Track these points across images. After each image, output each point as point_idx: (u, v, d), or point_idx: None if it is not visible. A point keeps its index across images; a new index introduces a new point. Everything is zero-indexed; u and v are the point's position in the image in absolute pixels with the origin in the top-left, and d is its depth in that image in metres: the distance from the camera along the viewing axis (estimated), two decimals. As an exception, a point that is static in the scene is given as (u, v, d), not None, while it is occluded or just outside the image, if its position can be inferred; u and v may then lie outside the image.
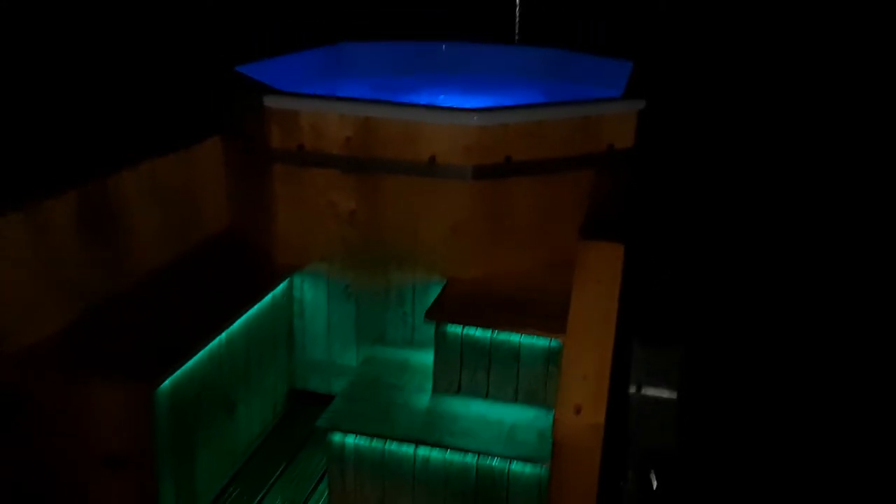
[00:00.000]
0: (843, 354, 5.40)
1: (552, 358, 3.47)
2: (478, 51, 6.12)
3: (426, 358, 3.79)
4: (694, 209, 5.48)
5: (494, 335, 3.57)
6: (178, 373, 3.19)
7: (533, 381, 3.55)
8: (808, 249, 5.80)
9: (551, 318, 3.44)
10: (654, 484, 4.07)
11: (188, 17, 5.09)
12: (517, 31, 7.21)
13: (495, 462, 3.29)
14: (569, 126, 3.97)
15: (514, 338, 3.55)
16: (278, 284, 3.99)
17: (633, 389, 4.09)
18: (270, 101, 3.93)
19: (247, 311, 3.70)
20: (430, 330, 3.69)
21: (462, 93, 5.48)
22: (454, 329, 3.60)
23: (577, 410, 2.71)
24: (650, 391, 4.26)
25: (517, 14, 7.27)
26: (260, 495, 3.58)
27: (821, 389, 5.18)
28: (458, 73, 5.99)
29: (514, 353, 3.57)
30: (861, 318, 5.56)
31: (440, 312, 3.64)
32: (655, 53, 5.65)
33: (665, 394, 4.27)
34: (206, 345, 3.37)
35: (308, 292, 4.14)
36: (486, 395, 3.63)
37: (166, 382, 3.13)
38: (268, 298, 3.91)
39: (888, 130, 6.05)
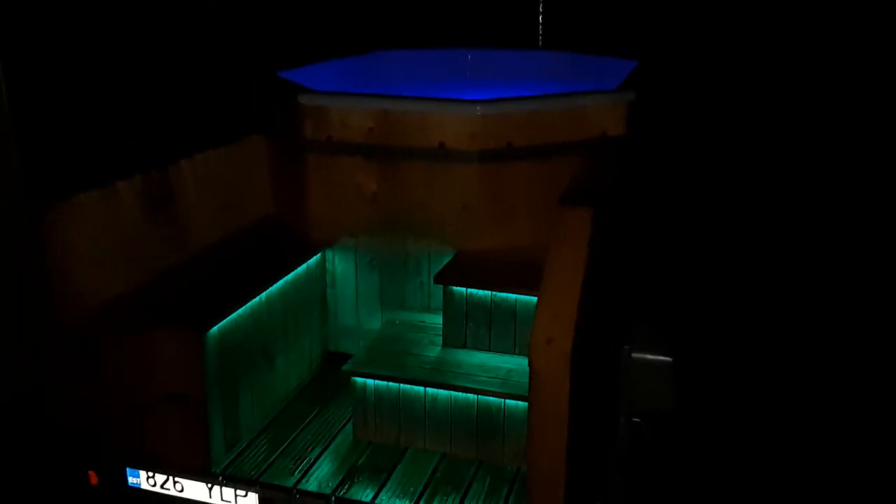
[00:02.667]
0: (827, 325, 5.75)
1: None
2: (500, 56, 6.67)
3: (440, 319, 4.35)
4: (680, 189, 5.92)
5: (494, 295, 4.11)
6: (223, 322, 3.82)
7: (528, 335, 4.06)
8: (791, 227, 6.18)
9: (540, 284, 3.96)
10: (645, 435, 4.53)
11: (236, 32, 5.79)
12: (541, 37, 7.77)
13: (493, 400, 3.83)
14: (564, 115, 4.50)
15: (512, 297, 4.09)
16: (312, 258, 4.60)
17: (626, 351, 4.56)
18: (304, 99, 4.56)
19: (283, 277, 4.32)
20: (442, 295, 4.25)
21: (481, 92, 6.03)
22: (460, 290, 4.15)
23: (549, 341, 3.22)
24: (645, 355, 4.71)
25: (540, 21, 7.83)
26: (294, 434, 4.16)
27: (806, 362, 5.55)
28: (483, 77, 6.55)
29: (512, 311, 4.11)
30: (840, 293, 5.90)
31: (448, 276, 4.20)
32: (657, 53, 6.12)
33: (661, 357, 4.72)
34: (247, 301, 4.00)
35: (338, 265, 4.74)
36: (489, 348, 4.16)
37: (214, 329, 3.75)
38: (302, 269, 4.52)
39: (878, 123, 6.38)
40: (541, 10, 7.85)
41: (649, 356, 4.57)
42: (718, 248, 6.04)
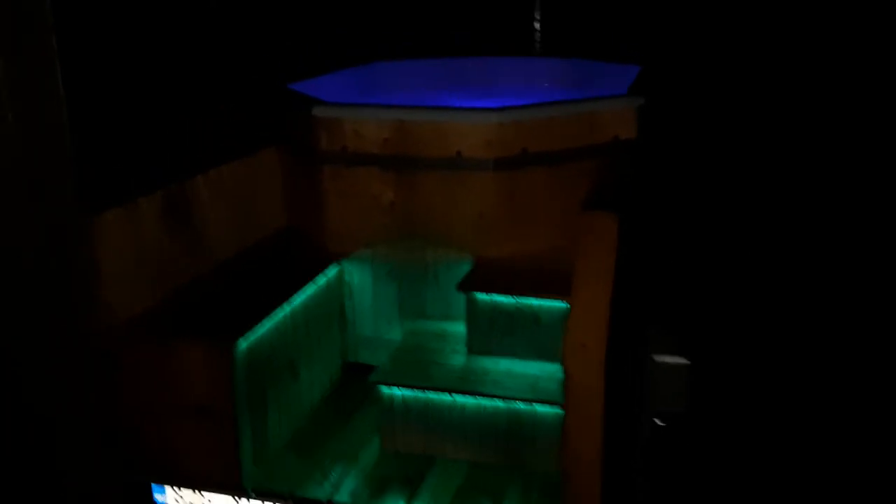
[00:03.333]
0: (837, 326, 5.83)
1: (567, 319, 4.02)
2: (500, 64, 6.72)
3: (461, 328, 4.37)
4: (692, 190, 5.99)
5: (517, 301, 4.13)
6: (251, 336, 3.82)
7: (552, 341, 4.10)
8: (802, 226, 6.26)
9: (565, 285, 3.99)
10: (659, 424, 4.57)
11: (244, 44, 5.80)
12: (538, 44, 7.83)
13: (521, 406, 3.86)
14: (577, 120, 4.54)
15: (534, 303, 4.11)
16: (330, 269, 4.61)
17: (647, 354, 4.61)
18: (318, 111, 4.57)
19: (305, 288, 4.32)
20: (463, 303, 4.27)
21: (487, 100, 6.07)
22: (483, 297, 4.17)
23: (583, 347, 3.25)
24: (664, 358, 4.76)
25: (538, 28, 7.90)
26: (322, 445, 4.16)
27: (815, 362, 5.62)
28: (484, 85, 6.59)
29: (535, 316, 4.14)
30: (854, 295, 5.99)
31: (471, 284, 4.22)
32: (660, 57, 6.19)
33: (678, 360, 4.77)
34: (273, 314, 4.00)
35: (356, 276, 4.75)
36: (514, 354, 4.19)
37: (243, 344, 3.75)
38: (322, 281, 4.53)
39: (882, 126, 6.49)
40: (537, 16, 7.93)
41: (668, 359, 4.62)
42: (728, 248, 6.12)
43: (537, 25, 7.82)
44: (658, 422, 4.54)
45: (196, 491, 3.85)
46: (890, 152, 6.41)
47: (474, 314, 4.20)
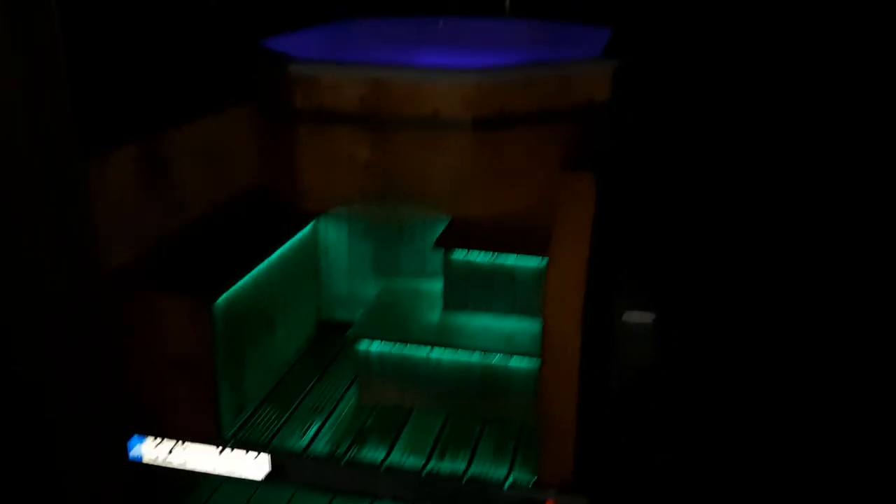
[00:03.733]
0: (803, 291, 6.05)
1: (543, 276, 4.11)
2: (472, 25, 6.71)
3: (436, 285, 4.43)
4: (664, 151, 6.12)
5: (493, 258, 4.21)
6: (229, 292, 3.84)
7: (528, 296, 4.20)
8: (770, 188, 6.45)
9: (541, 242, 4.07)
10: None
11: (214, 4, 5.71)
12: (508, 4, 7.82)
13: (496, 359, 3.96)
14: (553, 82, 4.59)
15: (510, 259, 4.20)
16: (305, 226, 4.62)
17: (617, 310, 4.75)
18: (294, 68, 4.55)
19: (281, 246, 4.34)
20: (438, 261, 4.33)
21: (461, 59, 6.08)
22: (459, 254, 4.24)
23: (561, 300, 3.34)
24: (632, 316, 4.91)
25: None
26: (298, 400, 4.22)
27: (789, 336, 5.83)
28: (456, 44, 6.58)
29: (510, 273, 4.22)
30: (825, 266, 6.20)
31: (447, 241, 4.28)
32: (630, 21, 6.25)
33: (645, 318, 4.93)
34: (249, 271, 4.02)
35: (331, 234, 4.77)
36: (489, 310, 4.28)
37: (221, 298, 3.77)
38: (297, 238, 4.54)
39: (869, 94, 6.66)
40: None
41: (636, 317, 4.78)
42: (699, 207, 6.26)
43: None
44: (626, 374, 4.71)
45: (178, 441, 3.88)
46: (860, 116, 6.60)
47: (450, 271, 4.27)
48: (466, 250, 4.21)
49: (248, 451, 3.82)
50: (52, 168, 2.24)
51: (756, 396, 5.42)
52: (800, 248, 6.14)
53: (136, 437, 3.91)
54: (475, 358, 3.98)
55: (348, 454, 3.79)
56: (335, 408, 4.15)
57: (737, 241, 6.06)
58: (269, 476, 3.82)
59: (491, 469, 3.70)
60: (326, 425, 4.01)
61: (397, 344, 4.03)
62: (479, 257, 4.22)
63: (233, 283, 3.87)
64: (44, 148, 2.28)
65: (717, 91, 6.77)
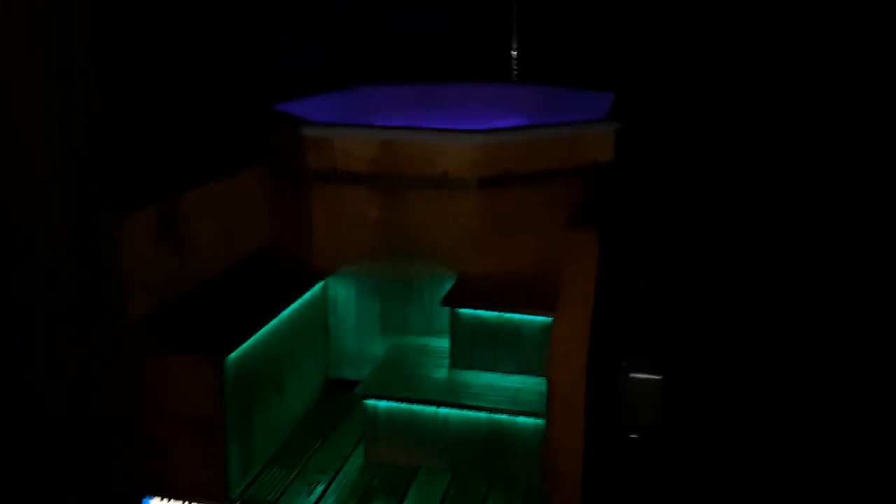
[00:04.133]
0: (819, 338, 6.04)
1: (549, 333, 4.15)
2: (481, 90, 6.90)
3: (443, 342, 4.48)
4: (668, 209, 6.20)
5: (500, 316, 4.26)
6: (239, 349, 3.89)
7: (534, 354, 4.23)
8: (774, 246, 6.50)
9: (547, 300, 4.13)
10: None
11: (229, 68, 5.92)
12: (515, 72, 8.05)
13: (503, 417, 3.97)
14: (558, 143, 4.72)
15: (517, 317, 4.24)
16: (315, 285, 4.70)
17: (623, 370, 4.75)
18: (307, 131, 4.70)
19: (291, 304, 4.40)
20: (446, 319, 4.39)
21: (469, 123, 6.24)
22: (466, 312, 4.29)
23: (566, 356, 3.38)
24: (638, 374, 4.90)
25: (514, 56, 8.12)
26: (305, 458, 4.22)
27: (799, 380, 5.81)
28: (465, 109, 6.76)
29: (517, 331, 4.26)
30: (832, 307, 6.21)
31: (454, 299, 4.34)
32: (633, 85, 6.43)
33: (652, 377, 4.91)
34: (260, 328, 4.08)
35: (340, 292, 4.84)
36: (495, 368, 4.30)
37: (232, 355, 3.82)
38: (307, 296, 4.61)
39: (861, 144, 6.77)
40: (515, 45, 8.16)
41: (642, 375, 4.77)
42: (704, 265, 6.32)
43: (514, 54, 8.04)
44: (633, 436, 4.68)
45: (185, 502, 3.89)
46: (860, 175, 6.70)
47: (457, 328, 4.31)
48: (473, 308, 4.27)
49: (254, 510, 3.82)
50: (81, 224, 2.33)
51: (765, 462, 5.37)
52: (810, 307, 6.16)
53: (147, 497, 3.93)
54: (481, 416, 3.99)
55: (354, 513, 3.78)
56: (342, 467, 4.14)
57: (745, 301, 6.10)
58: (275, 535, 3.81)
59: (498, 529, 3.68)
60: (333, 485, 4.00)
61: (403, 402, 4.05)
62: (486, 314, 4.27)
63: (243, 341, 3.93)
64: (75, 205, 2.37)
65: (718, 145, 6.90)
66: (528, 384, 4.14)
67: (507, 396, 4.05)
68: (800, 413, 5.62)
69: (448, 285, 4.59)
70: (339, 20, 6.84)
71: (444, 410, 4.04)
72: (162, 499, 3.87)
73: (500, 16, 7.68)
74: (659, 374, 4.99)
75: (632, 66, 7.30)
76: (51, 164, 2.23)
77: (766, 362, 5.94)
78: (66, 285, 2.30)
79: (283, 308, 4.33)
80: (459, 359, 4.33)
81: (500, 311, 4.25)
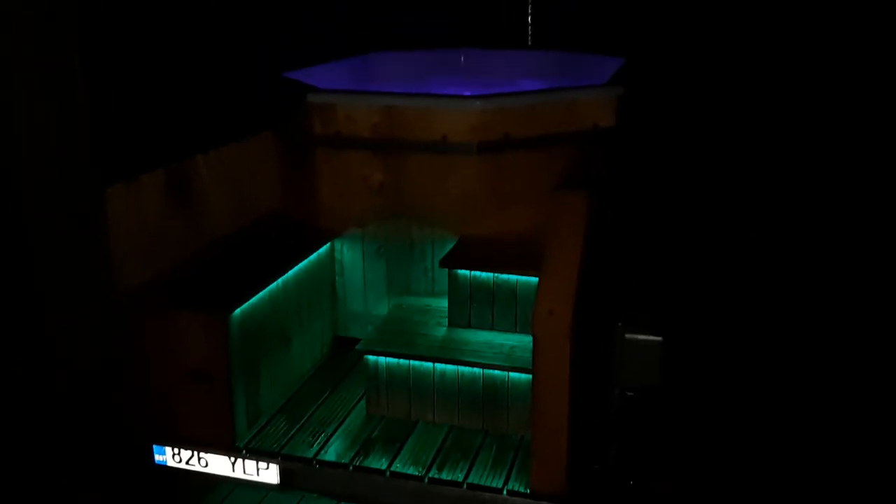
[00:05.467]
0: (816, 311, 6.07)
1: (541, 292, 4.26)
2: (492, 56, 6.95)
3: (444, 303, 4.62)
4: (668, 175, 6.23)
5: (496, 277, 4.39)
6: (245, 305, 4.08)
7: (529, 314, 4.34)
8: (771, 211, 6.51)
9: (542, 261, 4.24)
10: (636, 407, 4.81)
11: (242, 34, 6.06)
12: (530, 38, 8.07)
13: (497, 373, 4.11)
14: (558, 108, 4.79)
15: (513, 279, 4.37)
16: (322, 246, 4.86)
17: (619, 330, 4.83)
18: (312, 97, 4.83)
19: (297, 264, 4.58)
20: (446, 280, 4.52)
21: (476, 88, 6.31)
22: (464, 273, 4.43)
23: (551, 313, 3.50)
24: (636, 335, 4.98)
25: (529, 22, 8.14)
26: (310, 411, 4.42)
27: (796, 351, 5.87)
28: (475, 76, 6.83)
29: (513, 291, 4.39)
30: (830, 280, 6.23)
31: (453, 261, 4.48)
32: (642, 51, 6.43)
33: (650, 337, 5.00)
34: (267, 286, 4.26)
35: (346, 254, 5.01)
36: (492, 327, 4.44)
37: (237, 312, 4.01)
38: (314, 257, 4.78)
39: (869, 114, 6.72)
40: (530, 11, 8.16)
41: (640, 336, 4.85)
42: (707, 236, 6.37)
43: (529, 20, 8.05)
44: (629, 393, 4.78)
45: (194, 452, 4.11)
46: (860, 140, 6.65)
47: (455, 289, 4.45)
48: (470, 270, 4.40)
49: (260, 459, 4.02)
50: (72, 192, 2.49)
51: (763, 425, 5.46)
52: (809, 273, 6.18)
53: (157, 445, 4.15)
54: (476, 372, 4.14)
55: (354, 462, 3.96)
56: (344, 419, 4.33)
57: (744, 266, 6.14)
58: (279, 482, 4.02)
59: (487, 479, 3.83)
60: (335, 436, 4.19)
61: (403, 358, 4.22)
62: (483, 275, 4.40)
63: (248, 298, 4.11)
64: (66, 174, 2.53)
65: (722, 115, 6.89)
66: (524, 342, 4.27)
67: (502, 354, 4.19)
68: (800, 398, 5.69)
69: (449, 247, 4.72)
70: (339, 20, 6.92)
71: (441, 366, 4.19)
72: (172, 448, 4.09)
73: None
74: (657, 335, 5.08)
75: (647, 33, 7.29)
76: (43, 139, 2.38)
77: (767, 328, 6.00)
78: (61, 249, 2.46)
79: (290, 268, 4.51)
80: (457, 318, 4.47)
81: (496, 272, 4.37)
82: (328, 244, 4.94)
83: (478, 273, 4.40)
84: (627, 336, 4.73)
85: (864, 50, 6.86)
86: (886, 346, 5.82)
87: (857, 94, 6.84)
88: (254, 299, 4.17)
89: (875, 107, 6.67)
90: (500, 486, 3.78)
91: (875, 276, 6.24)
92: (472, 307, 4.45)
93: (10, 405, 2.70)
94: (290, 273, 4.53)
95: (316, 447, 4.09)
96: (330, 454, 4.04)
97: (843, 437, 5.32)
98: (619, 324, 4.71)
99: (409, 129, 4.69)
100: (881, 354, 5.82)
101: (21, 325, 2.69)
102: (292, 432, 4.21)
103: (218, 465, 4.09)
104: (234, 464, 4.06)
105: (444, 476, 3.85)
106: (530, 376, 4.00)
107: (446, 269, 4.49)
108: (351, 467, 3.94)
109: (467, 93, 6.21)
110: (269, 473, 4.03)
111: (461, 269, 4.43)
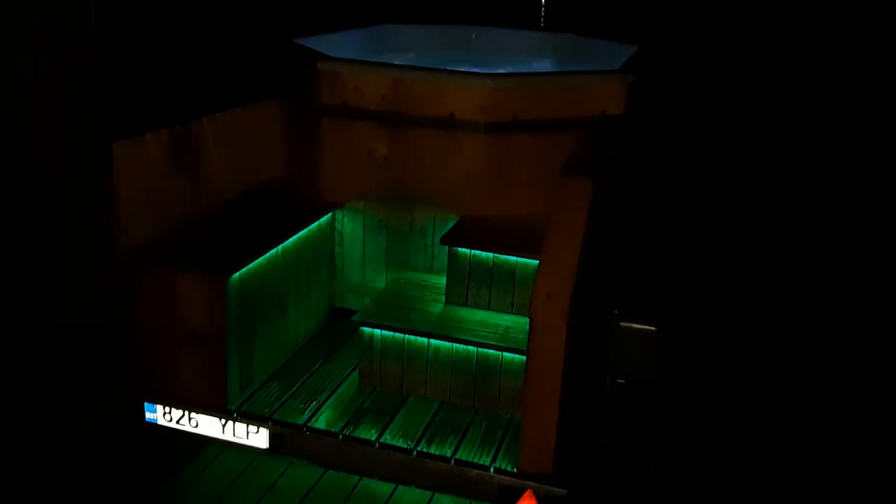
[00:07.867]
0: (806, 301, 6.10)
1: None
2: (503, 35, 6.91)
3: (442, 280, 4.63)
4: (672, 166, 6.24)
5: (496, 257, 4.40)
6: (244, 269, 4.09)
7: (526, 296, 4.36)
8: (772, 203, 6.53)
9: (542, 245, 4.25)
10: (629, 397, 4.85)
11: (256, 3, 6.02)
12: (543, 19, 8.02)
13: (491, 352, 4.14)
14: (568, 92, 4.77)
15: (512, 260, 4.38)
16: (323, 216, 4.87)
17: (615, 318, 4.86)
18: (322, 65, 4.80)
19: (297, 232, 4.58)
20: (446, 257, 4.53)
21: (485, 67, 6.28)
22: (464, 251, 4.44)
23: (549, 296, 3.52)
24: (632, 324, 5.01)
25: (543, 3, 8.08)
26: (303, 378, 4.45)
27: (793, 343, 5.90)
28: (487, 54, 6.79)
29: (512, 272, 4.41)
30: (819, 265, 6.25)
31: (453, 238, 4.48)
32: (655, 38, 6.41)
33: (646, 327, 5.02)
34: (266, 252, 4.26)
35: (347, 225, 5.01)
36: (489, 307, 4.46)
37: (235, 275, 4.02)
38: (314, 227, 4.79)
39: (859, 108, 6.71)
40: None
41: (636, 325, 4.88)
42: (704, 226, 6.38)
43: (543, 1, 8.00)
44: (620, 382, 4.82)
45: (185, 411, 4.13)
46: (861, 127, 6.65)
47: (454, 266, 4.46)
48: (470, 248, 4.41)
49: (250, 423, 4.06)
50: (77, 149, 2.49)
51: (757, 415, 5.50)
52: (808, 264, 6.21)
53: (149, 403, 4.18)
54: (470, 349, 4.16)
55: (344, 431, 4.00)
56: (336, 389, 4.36)
57: (745, 260, 6.16)
58: (268, 447, 4.05)
59: (475, 457, 3.87)
60: (326, 404, 4.22)
61: (398, 332, 4.24)
62: (483, 255, 4.41)
63: (248, 262, 4.12)
64: (72, 130, 2.52)
65: (731, 105, 6.88)
66: (519, 324, 4.30)
67: (497, 333, 4.22)
68: (795, 393, 5.72)
69: (450, 225, 4.73)
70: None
71: (435, 342, 4.22)
72: (163, 406, 4.12)
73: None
74: (652, 325, 5.11)
75: (661, 21, 7.26)
76: (50, 93, 2.37)
77: (764, 322, 6.03)
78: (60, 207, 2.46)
79: (289, 236, 4.51)
80: (454, 295, 4.49)
81: (496, 252, 4.38)
82: (329, 214, 4.94)
83: (478, 252, 4.41)
84: (623, 324, 4.76)
85: (865, 48, 6.84)
86: (882, 340, 5.85)
87: (858, 93, 6.84)
88: (253, 264, 4.18)
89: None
90: (487, 463, 3.82)
91: (871, 265, 6.27)
92: (470, 286, 4.46)
93: (7, 360, 2.71)
94: (290, 241, 4.53)
95: (307, 414, 4.12)
96: (321, 422, 4.07)
97: (837, 428, 5.37)
98: (616, 311, 4.74)
99: (416, 104, 4.67)
100: (876, 349, 5.86)
101: (21, 278, 2.69)
102: (284, 398, 4.24)
103: (208, 426, 4.12)
104: (224, 426, 4.09)
105: (433, 450, 3.89)
106: (524, 357, 4.03)
107: (446, 247, 4.49)
108: (341, 436, 3.97)
109: (477, 70, 6.19)
110: (259, 437, 4.07)
111: (461, 247, 4.44)
